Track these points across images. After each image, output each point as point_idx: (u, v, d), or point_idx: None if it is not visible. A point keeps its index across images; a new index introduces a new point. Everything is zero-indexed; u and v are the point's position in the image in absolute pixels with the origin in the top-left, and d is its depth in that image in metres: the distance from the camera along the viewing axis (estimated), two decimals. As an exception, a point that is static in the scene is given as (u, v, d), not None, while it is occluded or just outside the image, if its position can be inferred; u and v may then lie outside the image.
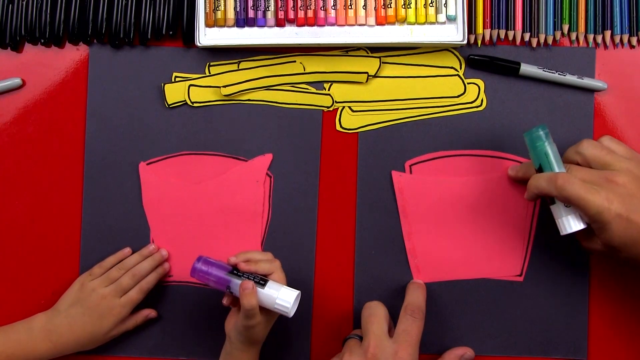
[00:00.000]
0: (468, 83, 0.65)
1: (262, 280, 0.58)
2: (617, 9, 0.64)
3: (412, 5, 0.63)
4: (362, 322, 0.58)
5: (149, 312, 0.65)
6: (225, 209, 0.66)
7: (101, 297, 0.62)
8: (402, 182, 0.65)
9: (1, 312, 0.66)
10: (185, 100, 0.66)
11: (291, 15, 0.64)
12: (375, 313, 0.58)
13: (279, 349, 0.65)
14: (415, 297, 0.60)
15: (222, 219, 0.66)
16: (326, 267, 0.66)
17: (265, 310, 0.58)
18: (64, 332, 0.61)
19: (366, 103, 0.66)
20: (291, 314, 0.57)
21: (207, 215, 0.66)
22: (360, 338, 0.58)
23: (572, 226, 0.55)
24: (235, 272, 0.58)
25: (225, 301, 0.59)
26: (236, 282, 0.58)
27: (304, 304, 0.65)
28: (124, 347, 0.66)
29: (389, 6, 0.63)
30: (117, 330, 0.63)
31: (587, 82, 0.64)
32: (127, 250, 0.65)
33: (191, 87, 0.66)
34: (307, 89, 0.66)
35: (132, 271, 0.63)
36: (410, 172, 0.66)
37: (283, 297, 0.57)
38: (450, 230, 0.65)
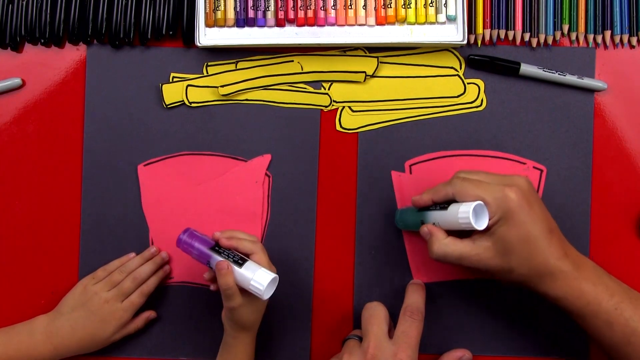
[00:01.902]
0: (468, 83, 0.65)
1: (241, 259, 0.57)
2: (617, 9, 0.64)
3: (412, 5, 0.63)
4: (362, 322, 0.58)
5: (149, 314, 0.65)
6: (225, 209, 0.66)
7: (104, 301, 0.62)
8: (402, 182, 0.65)
9: (1, 313, 0.66)
10: (183, 101, 0.66)
11: (291, 15, 0.64)
12: (376, 314, 0.58)
13: (278, 348, 0.65)
14: (414, 299, 0.60)
15: (221, 219, 0.66)
16: (326, 267, 0.66)
17: (247, 293, 0.57)
18: (66, 335, 0.61)
19: (366, 103, 0.66)
20: (265, 296, 0.56)
21: (207, 215, 0.66)
22: (360, 339, 0.58)
23: (469, 207, 0.52)
24: (217, 248, 0.58)
25: (206, 275, 0.60)
26: (216, 258, 0.57)
27: (304, 303, 0.65)
28: (124, 347, 0.66)
29: (389, 6, 0.63)
30: (119, 334, 0.63)
31: (587, 82, 0.64)
32: (132, 255, 0.65)
33: (189, 88, 0.66)
34: (305, 88, 0.66)
35: (132, 275, 0.63)
36: (410, 172, 0.65)
37: (258, 279, 0.55)
38: (450, 230, 0.65)
